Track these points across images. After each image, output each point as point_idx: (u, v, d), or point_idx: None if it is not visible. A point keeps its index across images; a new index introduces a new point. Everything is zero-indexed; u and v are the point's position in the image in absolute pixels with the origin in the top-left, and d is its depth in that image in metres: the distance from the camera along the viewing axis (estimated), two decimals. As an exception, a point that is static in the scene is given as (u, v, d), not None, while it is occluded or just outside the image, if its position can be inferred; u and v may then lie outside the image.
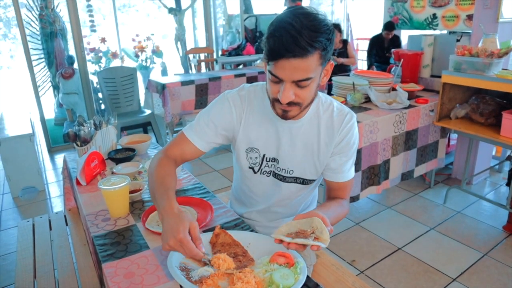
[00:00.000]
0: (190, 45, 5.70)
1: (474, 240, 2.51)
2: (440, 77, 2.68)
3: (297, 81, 0.96)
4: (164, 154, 1.19)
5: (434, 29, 4.56)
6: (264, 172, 1.23)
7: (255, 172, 1.24)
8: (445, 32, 4.53)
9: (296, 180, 1.23)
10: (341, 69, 4.39)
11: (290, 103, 1.01)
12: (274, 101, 1.04)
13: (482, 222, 2.72)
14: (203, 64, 4.84)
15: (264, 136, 1.18)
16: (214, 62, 4.88)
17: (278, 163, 1.20)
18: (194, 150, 1.19)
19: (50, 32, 4.59)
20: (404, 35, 4.82)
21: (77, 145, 1.68)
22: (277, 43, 0.91)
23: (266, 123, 1.17)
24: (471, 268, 2.25)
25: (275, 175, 1.23)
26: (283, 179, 1.23)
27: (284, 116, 1.06)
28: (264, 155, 1.21)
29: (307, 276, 0.93)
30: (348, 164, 1.19)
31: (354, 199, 2.43)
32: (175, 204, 0.98)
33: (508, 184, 2.55)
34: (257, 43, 5.29)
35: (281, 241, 0.92)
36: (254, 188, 1.30)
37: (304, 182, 1.23)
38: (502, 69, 2.52)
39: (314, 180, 1.25)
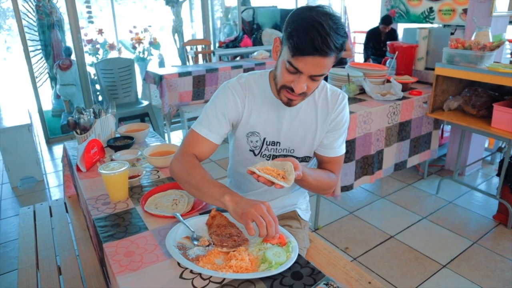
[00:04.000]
0: (187, 37, 5.72)
1: (464, 229, 2.57)
2: (434, 69, 2.73)
3: (314, 76, 1.05)
4: (181, 155, 1.19)
5: (431, 23, 4.59)
6: (264, 156, 1.29)
7: (255, 155, 1.30)
8: (441, 25, 4.56)
9: (296, 159, 1.28)
10: (338, 62, 4.40)
11: (300, 93, 1.09)
12: (283, 88, 1.11)
13: (473, 211, 2.79)
14: (200, 56, 4.86)
15: (264, 120, 1.24)
16: (212, 54, 4.91)
17: (279, 146, 1.27)
18: (208, 145, 1.21)
19: (47, 23, 4.59)
20: (401, 28, 4.85)
21: (77, 133, 1.72)
22: (307, 40, 0.97)
23: (267, 108, 1.23)
24: (461, 255, 2.32)
25: (276, 157, 1.29)
26: (284, 157, 1.28)
27: (289, 103, 1.14)
28: (264, 139, 1.27)
29: (299, 255, 0.98)
30: (339, 140, 1.27)
31: (348, 188, 2.49)
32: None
33: (498, 175, 2.61)
34: (254, 35, 5.31)
35: (252, 173, 1.01)
36: None
37: (302, 160, 1.30)
38: (494, 62, 2.57)
39: (310, 158, 1.32)
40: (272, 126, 1.24)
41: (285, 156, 1.29)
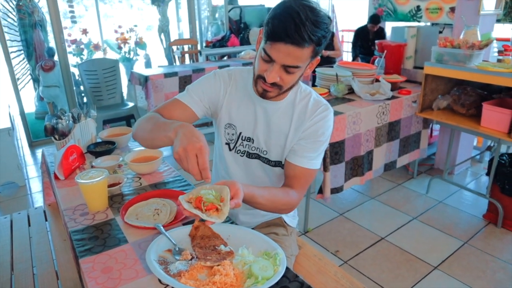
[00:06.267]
0: (174, 36, 5.63)
1: (455, 229, 2.56)
2: (422, 68, 2.70)
3: (286, 66, 1.01)
4: (155, 112, 1.19)
5: (418, 21, 4.59)
6: (238, 151, 1.27)
7: (230, 149, 1.28)
8: (429, 24, 4.57)
9: (269, 162, 1.25)
10: (327, 61, 4.39)
11: (273, 84, 1.06)
12: (258, 78, 1.08)
13: (463, 211, 2.77)
14: (187, 55, 4.79)
15: (242, 115, 1.22)
16: (198, 54, 4.83)
17: (253, 143, 1.24)
18: (186, 111, 1.20)
19: (29, 23, 4.46)
20: (389, 27, 4.84)
21: (55, 138, 1.65)
22: (281, 26, 0.95)
23: (246, 103, 1.22)
24: (451, 256, 2.30)
25: (249, 155, 1.26)
26: (258, 157, 1.26)
27: (264, 95, 1.11)
28: (240, 133, 1.25)
29: (287, 268, 0.93)
30: (311, 153, 1.17)
31: (337, 190, 2.45)
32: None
33: (488, 174, 2.60)
34: (241, 35, 5.25)
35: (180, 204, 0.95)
36: (230, 168, 1.31)
37: (275, 164, 1.25)
38: (483, 60, 2.55)
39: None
40: (248, 122, 1.22)
41: (258, 155, 1.25)
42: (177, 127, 0.98)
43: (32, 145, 4.24)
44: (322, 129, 1.17)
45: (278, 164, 1.25)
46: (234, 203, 0.93)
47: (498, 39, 4.18)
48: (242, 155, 1.27)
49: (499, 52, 2.85)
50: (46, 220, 1.84)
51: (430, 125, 3.09)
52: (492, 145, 3.46)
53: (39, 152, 4.09)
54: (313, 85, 3.11)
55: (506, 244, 2.40)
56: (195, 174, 0.91)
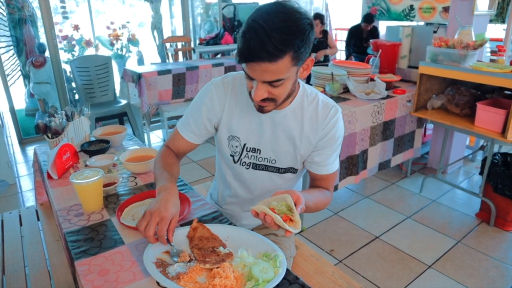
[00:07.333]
0: (167, 33, 5.58)
1: (448, 228, 2.57)
2: (417, 68, 2.71)
3: (268, 82, 0.95)
4: (166, 147, 1.26)
5: (411, 21, 4.61)
6: (244, 163, 1.22)
7: (234, 162, 1.23)
8: (422, 23, 4.59)
9: (278, 170, 1.22)
10: (324, 59, 4.40)
11: (264, 99, 1.00)
12: (250, 95, 1.04)
13: (456, 210, 2.79)
14: (180, 53, 4.75)
15: (246, 125, 1.17)
16: (192, 51, 4.79)
17: (259, 153, 1.20)
18: (185, 143, 1.23)
19: (19, 18, 4.38)
20: (382, 26, 4.86)
21: (48, 137, 1.61)
22: (246, 45, 0.89)
23: (249, 112, 1.15)
24: (445, 255, 2.31)
25: (256, 167, 1.22)
26: (265, 168, 1.22)
27: (260, 110, 1.06)
28: (245, 145, 1.19)
29: (287, 269, 0.92)
30: (332, 157, 1.19)
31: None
32: (176, 189, 1.05)
33: (481, 173, 2.62)
34: (235, 32, 5.22)
35: (257, 214, 0.93)
36: (235, 177, 1.29)
37: (286, 171, 1.23)
38: (477, 61, 2.57)
39: (296, 170, 1.24)
40: (253, 132, 1.17)
41: (265, 166, 1.21)
42: (160, 189, 1.03)
43: (22, 143, 4.17)
44: (337, 133, 1.16)
45: (289, 170, 1.23)
46: (300, 209, 0.92)
47: (490, 39, 4.21)
48: (247, 167, 1.22)
49: (492, 52, 2.87)
50: (38, 219, 1.81)
51: (424, 125, 3.11)
52: (485, 144, 3.49)
53: (29, 150, 4.03)
54: (308, 84, 3.10)
55: (498, 242, 2.42)
56: (148, 237, 0.94)
